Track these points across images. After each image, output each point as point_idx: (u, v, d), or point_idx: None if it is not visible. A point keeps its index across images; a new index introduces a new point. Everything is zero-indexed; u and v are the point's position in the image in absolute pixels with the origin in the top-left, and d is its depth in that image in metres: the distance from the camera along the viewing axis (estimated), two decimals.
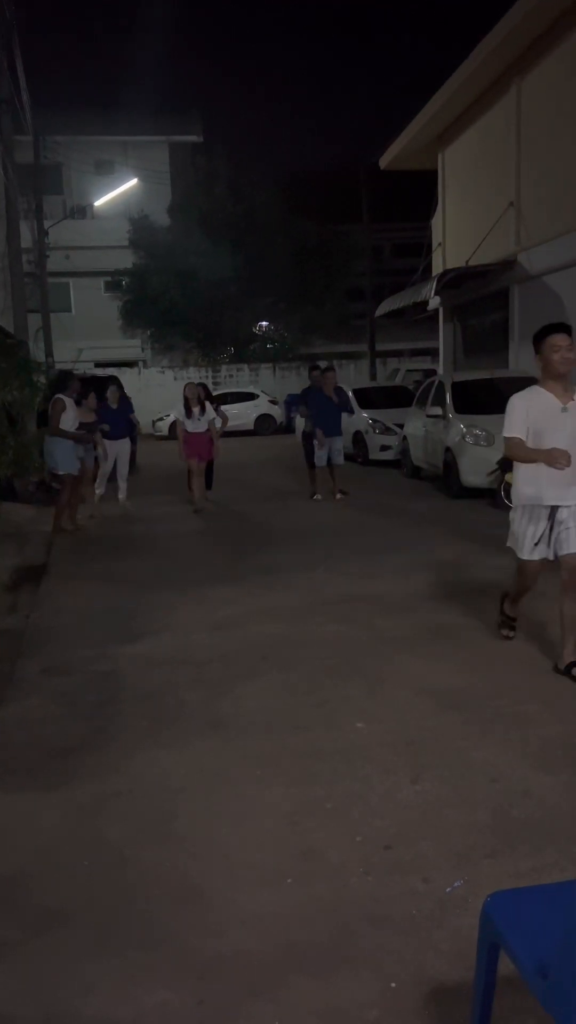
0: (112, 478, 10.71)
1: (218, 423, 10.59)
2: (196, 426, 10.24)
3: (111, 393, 10.93)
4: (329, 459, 10.80)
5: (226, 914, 2.55)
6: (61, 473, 9.04)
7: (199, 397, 10.24)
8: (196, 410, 10.20)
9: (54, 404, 9.03)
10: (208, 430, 10.30)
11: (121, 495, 10.77)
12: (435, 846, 2.85)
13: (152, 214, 27.45)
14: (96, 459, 10.57)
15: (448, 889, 2.61)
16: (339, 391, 11.15)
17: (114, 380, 15.60)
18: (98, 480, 10.62)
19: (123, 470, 10.82)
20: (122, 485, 10.84)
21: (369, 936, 2.42)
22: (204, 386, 11.19)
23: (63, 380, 9.60)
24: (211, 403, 10.82)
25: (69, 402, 9.13)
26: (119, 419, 10.78)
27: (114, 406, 10.86)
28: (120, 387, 16.40)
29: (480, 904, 2.31)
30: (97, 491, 10.63)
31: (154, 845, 2.93)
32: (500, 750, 3.52)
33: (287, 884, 2.69)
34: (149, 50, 63.79)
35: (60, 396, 9.11)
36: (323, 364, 14.36)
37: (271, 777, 3.37)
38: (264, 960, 2.34)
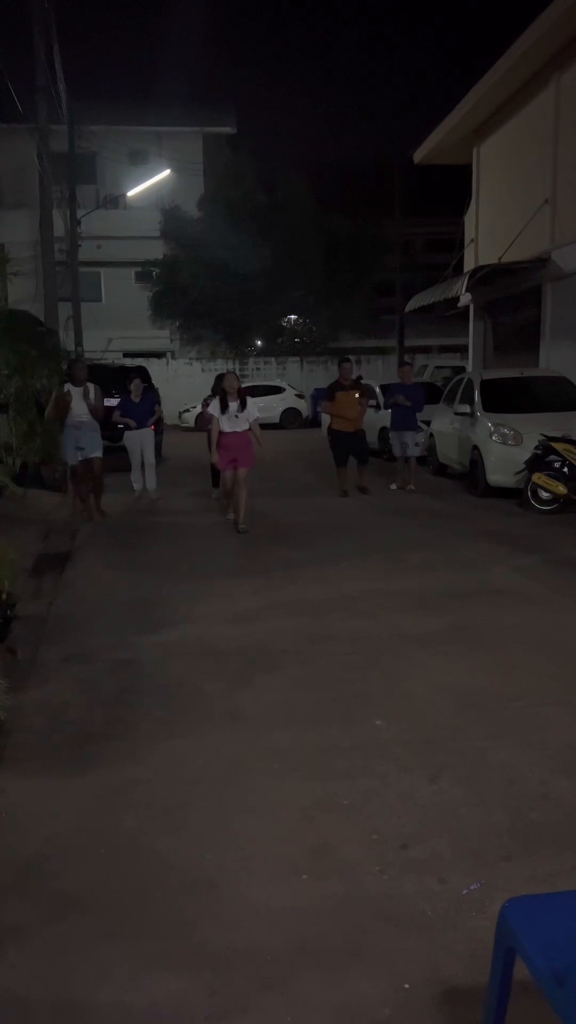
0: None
1: (253, 416, 8.79)
2: (234, 424, 8.39)
3: (134, 386, 10.75)
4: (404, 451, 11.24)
5: (240, 906, 2.55)
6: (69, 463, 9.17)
7: (239, 390, 8.53)
8: (235, 405, 8.36)
9: (61, 395, 9.09)
10: (248, 430, 8.56)
11: (150, 484, 10.73)
12: (452, 846, 2.83)
13: (184, 205, 27.46)
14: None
15: (465, 891, 2.59)
16: (416, 386, 11.63)
17: (140, 371, 15.67)
18: (133, 474, 10.67)
19: (149, 457, 10.71)
20: (149, 474, 10.76)
21: (383, 934, 2.41)
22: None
23: (70, 369, 9.52)
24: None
25: (76, 392, 9.09)
26: (141, 413, 10.64)
27: (136, 399, 10.72)
28: (146, 378, 16.43)
29: (496, 907, 2.30)
30: (135, 486, 10.63)
31: (169, 835, 2.93)
32: (519, 752, 3.48)
33: (301, 879, 2.68)
34: (184, 41, 63.78)
35: (69, 388, 9.13)
36: (408, 358, 14.68)
37: (288, 771, 3.37)
38: (277, 954, 2.34)
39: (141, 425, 10.62)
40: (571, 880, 2.62)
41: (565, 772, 3.30)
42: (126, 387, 15.39)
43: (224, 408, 8.38)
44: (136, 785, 3.28)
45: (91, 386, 9.20)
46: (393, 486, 11.24)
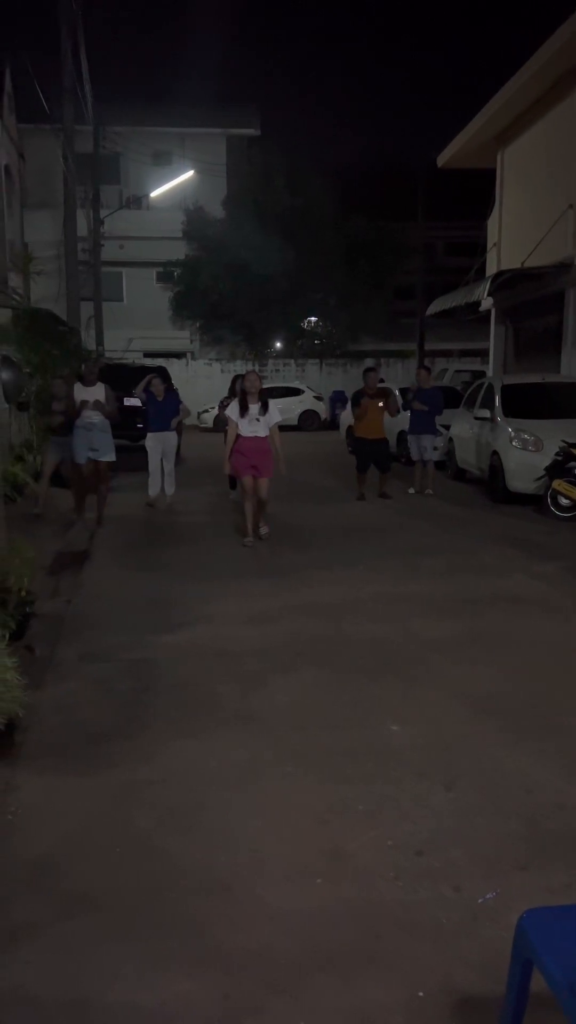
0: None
1: (275, 420, 7.99)
2: (253, 428, 7.74)
3: (155, 385, 10.35)
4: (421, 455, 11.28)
5: (253, 909, 2.54)
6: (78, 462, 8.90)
7: (260, 391, 7.91)
8: (255, 407, 7.74)
9: (68, 392, 8.93)
10: (266, 437, 7.86)
11: (168, 489, 10.25)
12: (467, 854, 2.81)
13: (207, 206, 27.53)
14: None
15: (480, 900, 2.57)
16: (435, 390, 11.68)
17: (160, 371, 15.69)
18: (150, 479, 10.18)
19: (169, 465, 10.21)
20: (169, 480, 10.28)
21: (397, 941, 2.40)
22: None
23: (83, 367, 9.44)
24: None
25: (80, 388, 8.89)
26: (165, 411, 10.25)
27: (160, 399, 10.34)
28: (166, 379, 16.42)
29: (511, 917, 2.28)
30: (151, 492, 10.15)
31: (183, 835, 2.93)
32: (536, 760, 3.45)
33: (315, 883, 2.67)
34: (209, 43, 64.00)
35: (77, 384, 8.94)
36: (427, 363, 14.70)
37: (302, 775, 3.35)
38: (290, 958, 2.32)
39: (164, 426, 10.20)
40: None
41: None
42: (146, 387, 15.48)
43: (244, 411, 7.73)
44: (150, 785, 3.28)
45: (102, 386, 9.00)
46: (411, 490, 11.20)
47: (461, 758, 3.48)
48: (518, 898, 2.55)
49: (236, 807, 3.12)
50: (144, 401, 10.39)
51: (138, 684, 4.37)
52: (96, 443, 8.88)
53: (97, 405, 8.82)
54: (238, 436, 7.77)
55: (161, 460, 10.18)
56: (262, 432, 7.77)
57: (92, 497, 9.08)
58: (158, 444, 10.18)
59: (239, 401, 7.84)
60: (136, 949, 2.36)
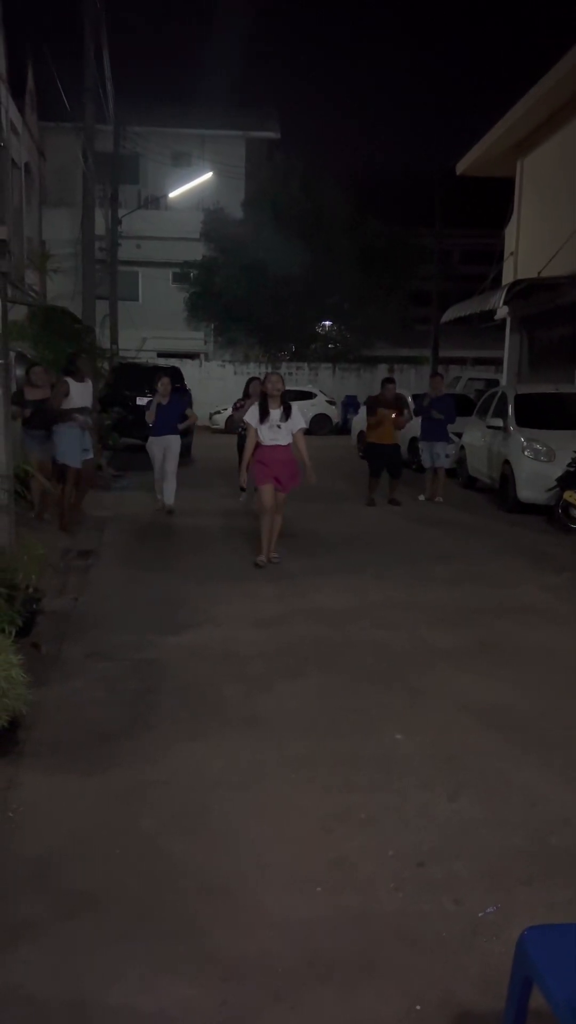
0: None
1: (298, 426, 7.15)
2: (274, 436, 7.01)
3: (162, 385, 9.68)
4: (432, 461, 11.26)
5: (253, 915, 2.53)
6: (63, 464, 8.29)
7: (282, 394, 7.14)
8: (277, 413, 7.01)
9: (60, 386, 8.28)
10: (288, 445, 7.11)
11: (168, 500, 9.63)
12: (469, 867, 2.79)
13: (225, 208, 27.59)
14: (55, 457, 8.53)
15: (481, 914, 2.55)
16: (447, 397, 11.72)
17: (173, 372, 15.65)
18: (157, 483, 9.74)
19: (171, 466, 9.59)
20: (168, 487, 9.65)
21: (396, 953, 2.39)
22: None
23: (71, 361, 8.70)
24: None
25: (73, 384, 8.30)
26: (169, 414, 9.62)
27: (163, 401, 9.63)
28: (179, 379, 16.31)
29: (512, 932, 2.27)
30: (159, 496, 9.71)
31: (186, 838, 2.93)
32: (541, 774, 3.43)
33: (316, 891, 2.66)
34: (230, 47, 64.17)
35: (66, 379, 8.34)
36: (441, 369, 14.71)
37: (306, 780, 3.35)
38: (289, 966, 2.32)
39: (167, 430, 9.60)
40: None
41: None
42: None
43: (264, 416, 6.98)
44: (154, 786, 3.28)
45: (91, 383, 8.62)
46: (421, 497, 11.19)
47: (466, 769, 3.46)
48: (520, 913, 2.54)
49: (239, 811, 3.12)
50: (149, 404, 9.89)
51: (144, 684, 4.37)
52: (86, 442, 8.55)
53: (85, 410, 8.44)
54: (257, 445, 7.06)
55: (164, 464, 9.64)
56: (284, 440, 7.02)
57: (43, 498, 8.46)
58: (158, 450, 9.65)
59: (259, 405, 7.09)
60: (136, 952, 2.36)
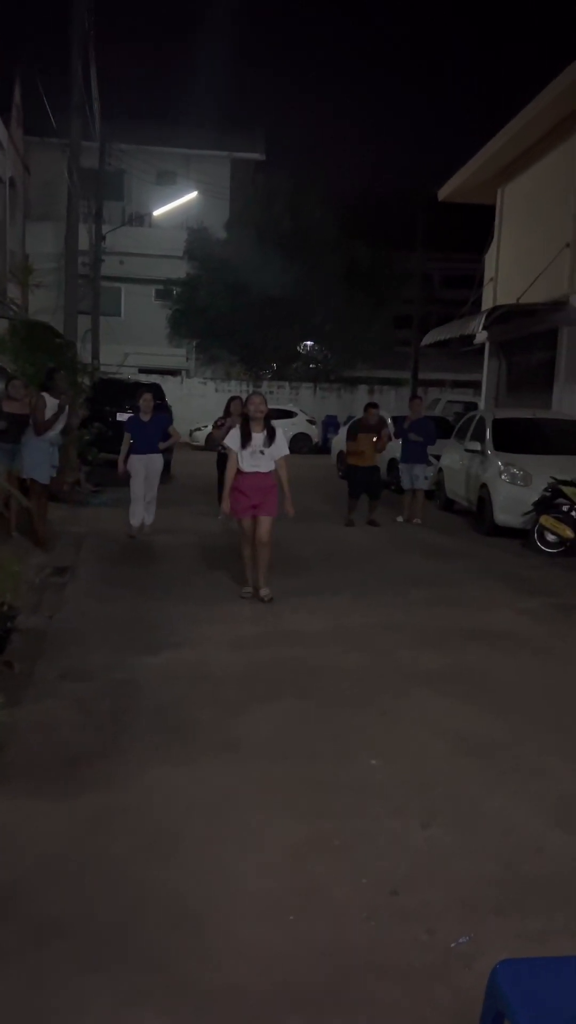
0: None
1: (281, 453, 6.64)
2: (255, 463, 6.50)
3: (144, 402, 9.33)
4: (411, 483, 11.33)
5: (224, 944, 2.51)
6: (29, 479, 8.12)
7: (265, 416, 6.58)
8: (259, 436, 6.48)
9: (38, 401, 8.16)
10: (271, 472, 6.61)
11: (147, 519, 9.27)
12: (442, 896, 2.79)
13: (209, 227, 27.76)
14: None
15: (453, 944, 2.54)
16: (426, 420, 11.79)
17: (154, 388, 15.55)
18: (132, 507, 9.15)
19: (151, 491, 9.22)
20: (149, 509, 9.29)
21: (368, 983, 2.37)
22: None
23: (49, 377, 8.60)
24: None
25: (50, 400, 8.18)
26: (151, 432, 9.28)
27: (145, 418, 9.30)
28: (160, 396, 16.19)
29: (484, 963, 2.27)
30: (133, 521, 9.14)
31: (157, 865, 2.90)
32: (515, 802, 3.44)
33: (288, 920, 2.64)
34: (217, 68, 64.83)
35: (43, 394, 8.23)
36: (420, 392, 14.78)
37: (280, 806, 3.33)
38: (260, 997, 2.29)
39: (150, 448, 9.21)
40: (562, 939, 2.57)
41: (561, 825, 3.25)
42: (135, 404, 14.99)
43: (246, 440, 6.47)
44: (126, 811, 3.25)
45: (64, 399, 8.48)
46: (399, 518, 11.24)
47: (440, 796, 3.46)
48: (492, 943, 2.53)
49: (212, 838, 3.09)
50: (129, 420, 9.47)
51: (118, 706, 4.34)
52: (55, 458, 8.44)
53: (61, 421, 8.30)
54: (238, 472, 6.52)
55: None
56: (265, 467, 6.51)
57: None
58: (142, 468, 9.19)
59: (240, 429, 6.56)
60: (106, 983, 2.32)
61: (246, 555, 6.78)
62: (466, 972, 2.42)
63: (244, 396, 7.90)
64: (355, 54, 70.61)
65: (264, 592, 6.57)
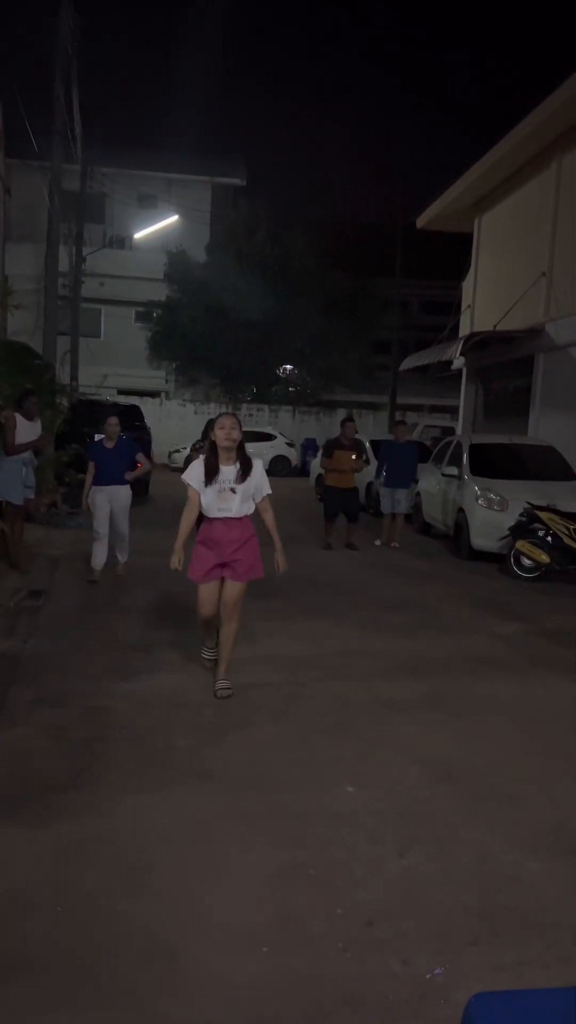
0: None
1: (263, 492, 4.99)
2: (224, 505, 4.84)
3: (109, 427, 8.25)
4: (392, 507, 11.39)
5: (197, 978, 2.47)
6: (4, 501, 8.03)
7: (238, 443, 4.85)
8: (230, 470, 4.83)
9: (7, 420, 8.04)
10: (246, 518, 4.94)
11: (120, 557, 8.35)
12: (417, 926, 2.77)
13: (189, 251, 27.94)
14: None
15: (428, 975, 2.53)
16: (412, 444, 11.98)
17: (131, 410, 15.41)
18: (95, 548, 8.09)
19: (122, 527, 8.20)
20: (121, 546, 8.32)
21: (342, 1017, 2.35)
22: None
23: (22, 397, 8.47)
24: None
25: (22, 421, 8.13)
26: (116, 460, 8.15)
27: (109, 445, 8.18)
28: (139, 418, 16.05)
29: (459, 995, 2.25)
30: (94, 564, 8.06)
31: (130, 897, 2.86)
32: (491, 830, 3.44)
33: (263, 952, 2.61)
34: (199, 94, 65.58)
35: (14, 413, 8.14)
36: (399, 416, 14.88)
37: (255, 835, 3.30)
38: None
39: (114, 479, 8.09)
40: (537, 971, 2.57)
41: (536, 854, 3.25)
42: (122, 423, 14.82)
43: (211, 475, 4.77)
44: (99, 842, 3.20)
45: (39, 422, 8.49)
46: (377, 542, 11.28)
47: (416, 824, 3.45)
48: (467, 975, 2.52)
49: (187, 868, 3.05)
50: (90, 450, 8.42)
51: (93, 733, 4.29)
52: (29, 479, 8.23)
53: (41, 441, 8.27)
54: (201, 519, 4.94)
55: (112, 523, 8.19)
56: (239, 510, 4.82)
57: None
58: (105, 502, 8.06)
59: (206, 461, 4.83)
60: (78, 1018, 2.28)
61: (202, 629, 5.26)
62: (441, 1005, 2.40)
63: (229, 412, 5.67)
64: (336, 83, 71.77)
65: (221, 686, 4.89)
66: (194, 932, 2.68)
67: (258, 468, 4.91)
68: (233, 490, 4.82)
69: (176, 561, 4.98)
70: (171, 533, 5.12)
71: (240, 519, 4.88)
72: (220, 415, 4.95)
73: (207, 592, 4.98)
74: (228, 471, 4.82)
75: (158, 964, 2.52)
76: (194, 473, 4.89)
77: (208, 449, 4.89)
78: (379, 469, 11.74)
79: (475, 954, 2.65)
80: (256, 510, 5.00)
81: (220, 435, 4.79)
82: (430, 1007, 2.40)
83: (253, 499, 4.92)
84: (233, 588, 4.91)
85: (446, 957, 2.62)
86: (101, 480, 8.06)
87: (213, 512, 4.86)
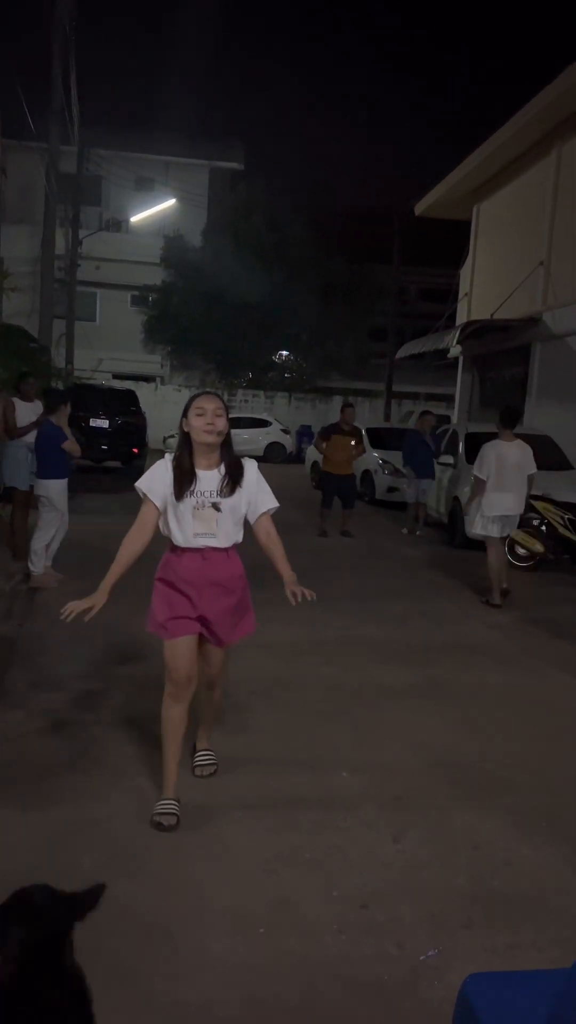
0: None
1: (264, 506, 3.45)
2: (205, 528, 3.30)
3: (60, 415, 7.42)
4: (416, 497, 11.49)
5: (194, 959, 2.50)
6: (10, 487, 7.85)
7: (225, 440, 3.29)
8: (212, 476, 3.28)
9: (5, 405, 7.87)
10: (233, 547, 3.40)
11: (33, 568, 7.28)
12: (412, 910, 2.81)
13: (186, 235, 27.77)
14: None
15: (422, 957, 2.56)
16: (435, 436, 11.94)
17: (128, 395, 15.19)
18: (37, 540, 7.42)
19: (44, 534, 7.38)
20: (36, 549, 7.33)
21: (338, 998, 2.38)
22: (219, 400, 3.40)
23: (19, 379, 8.40)
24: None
25: (20, 404, 7.99)
26: (42, 451, 7.37)
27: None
28: (134, 402, 15.96)
29: (453, 977, 2.29)
30: (33, 567, 7.31)
31: (127, 879, 2.88)
32: (484, 815, 3.47)
33: (259, 933, 2.64)
34: (199, 77, 65.08)
35: (12, 398, 8.02)
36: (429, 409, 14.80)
37: (251, 820, 3.33)
38: (229, 1012, 2.30)
39: (54, 472, 7.36)
40: (530, 954, 2.60)
41: (529, 840, 3.29)
42: (115, 409, 14.52)
43: (184, 483, 3.27)
44: (97, 824, 3.23)
45: (39, 403, 8.17)
46: (404, 530, 11.46)
47: (411, 810, 3.49)
48: (460, 957, 2.56)
49: (183, 851, 3.08)
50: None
51: (90, 716, 4.31)
52: (35, 465, 7.69)
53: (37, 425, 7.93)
54: (172, 547, 3.45)
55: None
56: (224, 537, 3.33)
57: None
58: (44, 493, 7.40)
59: (176, 462, 3.29)
60: None
61: (170, 716, 3.34)
62: (435, 986, 2.43)
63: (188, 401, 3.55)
64: (336, 69, 71.27)
65: (202, 760, 3.69)
66: (191, 914, 2.71)
67: (252, 472, 3.36)
68: (217, 506, 3.24)
69: (81, 608, 3.25)
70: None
71: (226, 551, 3.33)
72: (197, 394, 3.32)
73: (182, 651, 3.33)
74: (209, 478, 3.24)
75: (156, 945, 2.55)
76: (156, 478, 3.27)
77: (180, 444, 3.30)
78: (407, 459, 11.71)
79: (468, 937, 2.68)
80: (255, 534, 3.41)
81: (198, 424, 3.18)
82: (424, 988, 2.43)
83: (247, 518, 3.38)
84: (216, 654, 3.48)
85: (440, 940, 2.65)
86: (42, 472, 7.46)
87: (186, 539, 3.29)
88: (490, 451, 7.56)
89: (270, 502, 3.46)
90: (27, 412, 8.22)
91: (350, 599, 7.28)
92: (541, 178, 14.09)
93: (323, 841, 3.20)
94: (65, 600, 3.35)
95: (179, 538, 3.36)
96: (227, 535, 3.34)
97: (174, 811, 3.26)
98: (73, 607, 3.26)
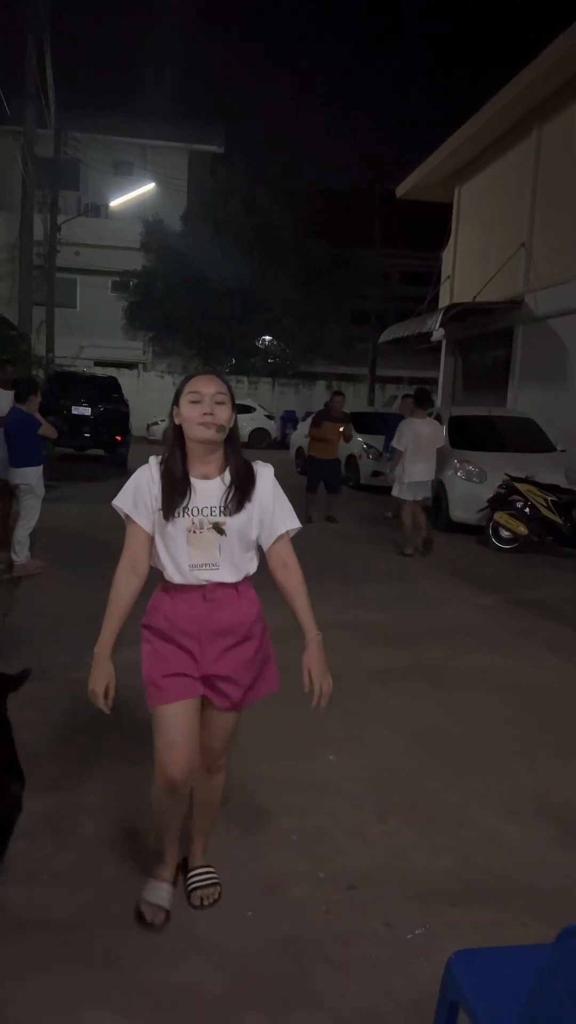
0: None
1: (283, 526, 2.60)
2: (202, 556, 2.44)
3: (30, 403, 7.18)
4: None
5: (183, 942, 2.52)
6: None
7: (229, 434, 2.46)
8: (212, 486, 2.43)
9: None
10: (245, 581, 2.58)
11: (16, 557, 7.16)
12: (398, 889, 2.84)
13: (166, 219, 27.55)
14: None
15: (410, 935, 2.60)
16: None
17: (111, 382, 15.10)
18: (20, 530, 7.22)
19: (27, 523, 7.26)
20: (20, 538, 7.21)
21: (327, 978, 2.41)
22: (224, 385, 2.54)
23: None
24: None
25: (3, 393, 7.95)
26: (15, 437, 7.14)
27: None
28: (117, 389, 15.89)
29: (440, 955, 2.32)
30: (16, 558, 7.14)
31: (115, 864, 2.90)
32: (470, 796, 3.51)
33: (247, 916, 2.67)
34: (176, 59, 64.35)
35: None
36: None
37: (240, 804, 3.35)
38: (218, 994, 2.32)
39: (15, 459, 7.13)
40: (515, 930, 2.64)
41: (514, 819, 3.33)
42: (97, 396, 14.50)
43: (176, 496, 2.42)
44: (84, 811, 3.24)
45: (11, 392, 7.78)
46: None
47: (397, 791, 3.52)
48: (447, 935, 2.59)
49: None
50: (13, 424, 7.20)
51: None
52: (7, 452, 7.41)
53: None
54: (164, 584, 2.62)
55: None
56: (230, 570, 2.52)
57: None
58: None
59: (165, 467, 2.46)
60: (65, 981, 2.32)
61: (166, 804, 2.63)
62: (423, 963, 2.47)
63: (178, 386, 2.66)
64: (316, 51, 70.69)
65: (199, 881, 2.74)
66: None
67: (266, 480, 2.55)
68: (220, 527, 2.44)
69: (101, 694, 2.56)
70: None
71: (235, 586, 2.56)
72: (192, 376, 2.49)
73: (179, 718, 2.54)
74: (209, 489, 2.46)
75: (143, 929, 2.56)
76: (140, 490, 2.50)
77: (171, 443, 2.49)
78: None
79: (455, 915, 2.72)
80: (269, 564, 2.62)
81: (192, 414, 2.39)
82: (412, 965, 2.47)
83: (259, 543, 2.58)
84: (223, 722, 2.65)
85: (426, 918, 2.69)
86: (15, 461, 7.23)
87: (180, 572, 2.51)
88: (407, 428, 8.90)
89: (290, 521, 2.58)
90: (6, 399, 8.13)
91: (335, 583, 7.30)
92: (522, 159, 14.08)
93: (310, 823, 3.22)
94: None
95: (171, 572, 2.49)
96: (235, 566, 2.48)
97: (165, 902, 2.57)
98: (96, 701, 2.55)
